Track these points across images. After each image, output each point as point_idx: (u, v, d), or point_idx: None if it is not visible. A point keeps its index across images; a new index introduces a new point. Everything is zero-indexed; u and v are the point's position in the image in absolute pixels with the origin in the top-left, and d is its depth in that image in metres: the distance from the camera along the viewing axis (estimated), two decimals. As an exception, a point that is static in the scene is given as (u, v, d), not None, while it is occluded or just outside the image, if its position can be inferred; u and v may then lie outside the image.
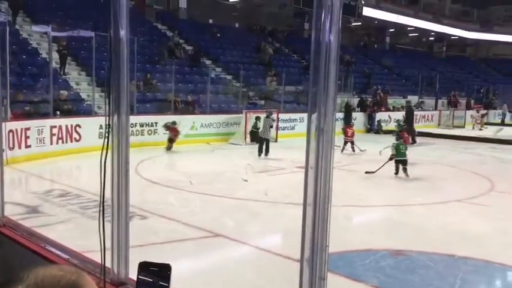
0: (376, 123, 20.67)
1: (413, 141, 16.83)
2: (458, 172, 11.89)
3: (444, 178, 11.01)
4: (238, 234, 6.34)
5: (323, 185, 1.55)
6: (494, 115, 29.15)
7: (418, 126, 22.28)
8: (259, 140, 13.41)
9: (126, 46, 2.13)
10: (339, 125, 19.20)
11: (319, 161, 1.55)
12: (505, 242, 6.19)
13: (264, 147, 13.15)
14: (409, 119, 17.69)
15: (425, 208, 8.07)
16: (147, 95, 16.24)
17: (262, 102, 19.66)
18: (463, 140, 19.54)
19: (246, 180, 10.12)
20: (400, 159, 10.65)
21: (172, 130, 13.71)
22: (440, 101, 27.59)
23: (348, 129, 14.75)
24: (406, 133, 14.53)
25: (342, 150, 14.14)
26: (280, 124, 17.90)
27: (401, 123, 20.87)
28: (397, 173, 10.61)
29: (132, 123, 13.67)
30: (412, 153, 14.35)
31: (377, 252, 5.61)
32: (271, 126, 13.91)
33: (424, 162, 13.25)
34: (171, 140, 13.62)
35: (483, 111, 27.02)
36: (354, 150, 14.35)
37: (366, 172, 10.67)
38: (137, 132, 13.81)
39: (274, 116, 14.83)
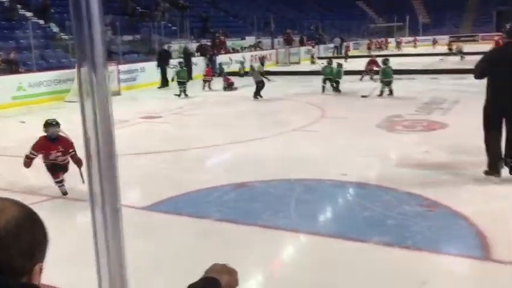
0: (217, 66, 20.87)
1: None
2: (295, 104, 12.70)
3: (282, 111, 11.68)
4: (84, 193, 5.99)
5: (103, 137, 1.44)
6: (324, 49, 31.44)
7: (258, 67, 23.07)
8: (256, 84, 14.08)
9: None
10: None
11: (96, 114, 1.42)
12: (333, 161, 6.84)
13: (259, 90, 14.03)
14: (186, 61, 18.07)
15: (265, 141, 8.49)
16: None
17: (98, 54, 18.46)
18: (299, 74, 20.86)
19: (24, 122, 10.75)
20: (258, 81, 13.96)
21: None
22: (276, 40, 28.80)
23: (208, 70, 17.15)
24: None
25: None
26: (121, 76, 17.10)
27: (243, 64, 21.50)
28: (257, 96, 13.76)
29: None
30: (249, 91, 14.95)
31: (220, 188, 5.77)
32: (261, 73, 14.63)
33: (263, 99, 13.86)
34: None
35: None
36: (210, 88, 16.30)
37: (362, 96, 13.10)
38: None
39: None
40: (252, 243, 4.28)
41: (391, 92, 13.05)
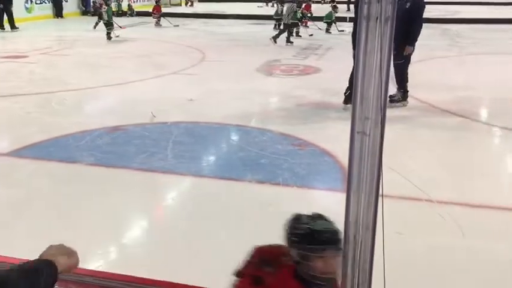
0: (91, 4, 19.37)
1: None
2: (175, 47, 12.35)
3: (161, 53, 11.30)
4: None
5: None
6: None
7: (138, 7, 21.92)
8: (284, 26, 12.77)
9: None
10: (48, 8, 17.39)
11: None
12: (211, 104, 6.85)
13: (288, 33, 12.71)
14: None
15: (143, 83, 8.22)
16: None
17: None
18: (180, 16, 20.18)
19: None
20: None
21: None
22: (156, -21, 27.35)
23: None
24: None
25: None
26: None
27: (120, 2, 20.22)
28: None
29: None
30: (129, 32, 14.23)
31: (93, 131, 5.51)
32: (295, 12, 12.94)
33: (141, 40, 13.30)
34: None
35: None
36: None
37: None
38: None
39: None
40: (126, 186, 4.19)
41: (296, 34, 13.71)
